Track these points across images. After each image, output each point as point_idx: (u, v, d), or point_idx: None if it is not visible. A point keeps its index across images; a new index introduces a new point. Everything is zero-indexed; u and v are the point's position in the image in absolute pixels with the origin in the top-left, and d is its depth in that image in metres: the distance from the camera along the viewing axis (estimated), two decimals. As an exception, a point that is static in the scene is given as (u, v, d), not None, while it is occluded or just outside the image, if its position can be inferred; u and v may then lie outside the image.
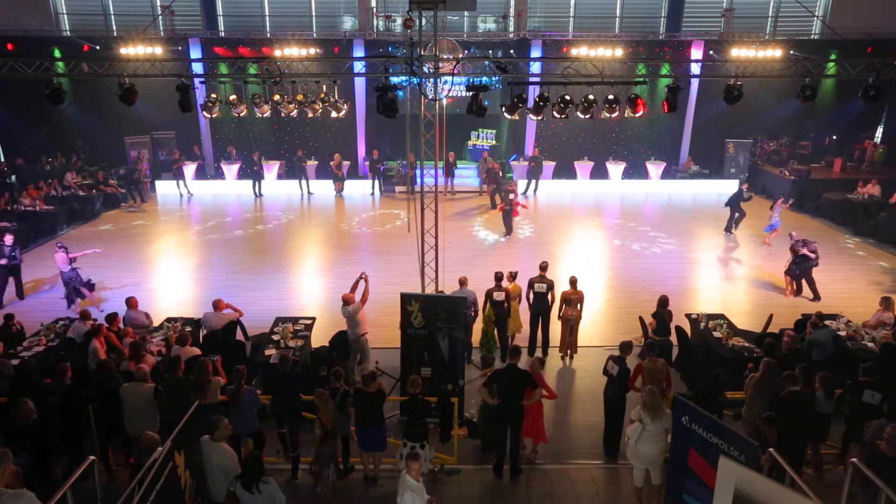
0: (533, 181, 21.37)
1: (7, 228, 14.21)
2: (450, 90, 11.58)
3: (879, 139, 22.26)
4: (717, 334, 9.70)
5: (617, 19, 22.68)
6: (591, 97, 12.18)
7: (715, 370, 7.81)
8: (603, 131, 22.74)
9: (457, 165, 21.05)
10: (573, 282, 10.28)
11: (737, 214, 16.68)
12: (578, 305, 10.23)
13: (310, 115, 14.02)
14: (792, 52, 16.24)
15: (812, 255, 12.72)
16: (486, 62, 17.62)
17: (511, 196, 16.69)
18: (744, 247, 16.01)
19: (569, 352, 10.48)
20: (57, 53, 19.56)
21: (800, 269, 12.93)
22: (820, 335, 9.17)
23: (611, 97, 12.04)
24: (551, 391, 7.89)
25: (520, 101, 11.70)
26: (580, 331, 10.51)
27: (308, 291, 13.46)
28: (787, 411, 6.95)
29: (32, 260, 15.26)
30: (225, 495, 5.98)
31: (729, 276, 14.37)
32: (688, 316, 10.56)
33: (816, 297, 12.83)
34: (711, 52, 20.72)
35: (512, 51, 21.43)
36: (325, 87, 14.08)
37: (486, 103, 20.33)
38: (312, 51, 19.07)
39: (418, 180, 11.59)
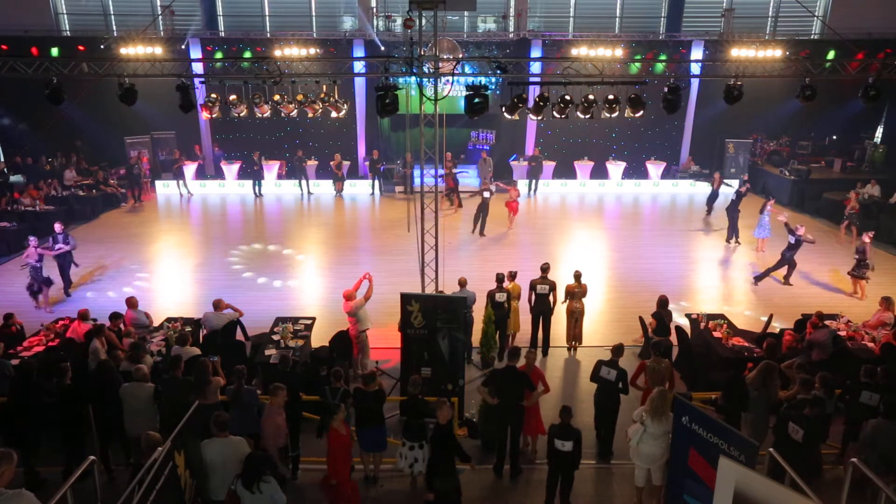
0: (533, 181, 21.37)
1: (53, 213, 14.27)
2: (450, 90, 11.52)
3: (879, 139, 22.27)
4: (717, 334, 9.71)
5: (617, 19, 22.68)
6: (591, 97, 12.19)
7: (730, 374, 7.76)
8: (603, 131, 22.75)
9: (455, 166, 21.01)
10: (577, 276, 10.41)
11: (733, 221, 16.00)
12: (583, 298, 10.41)
13: (310, 115, 14.03)
14: (788, 53, 16.22)
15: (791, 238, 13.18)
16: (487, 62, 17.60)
17: (486, 194, 16.77)
18: (744, 247, 15.98)
19: (574, 343, 10.62)
20: (55, 53, 19.55)
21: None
22: (820, 335, 9.17)
23: (611, 97, 12.04)
24: (546, 385, 7.91)
25: (520, 101, 11.70)
26: (583, 326, 10.67)
27: (308, 291, 13.46)
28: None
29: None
30: (225, 494, 5.99)
31: (729, 276, 14.38)
32: (688, 316, 10.56)
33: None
34: (708, 52, 20.75)
35: (508, 50, 21.43)
36: (325, 87, 14.08)
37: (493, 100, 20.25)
38: (312, 51, 19.07)
39: (417, 180, 11.57)
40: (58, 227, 12.98)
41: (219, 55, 20.79)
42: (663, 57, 19.85)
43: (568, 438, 6.70)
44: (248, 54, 20.22)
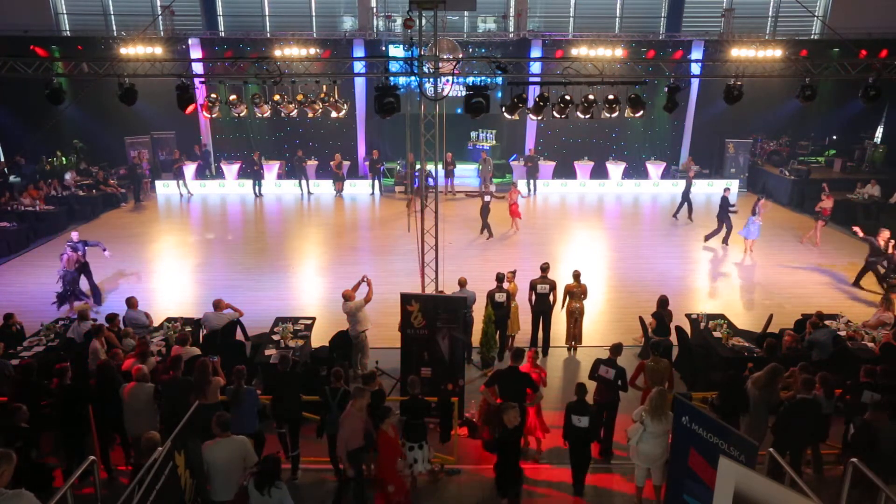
0: (531, 181, 21.34)
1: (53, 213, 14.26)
2: (449, 91, 11.52)
3: (879, 139, 22.26)
4: (717, 334, 9.70)
5: (617, 19, 22.70)
6: (591, 97, 12.20)
7: (728, 374, 7.79)
8: (603, 131, 22.75)
9: (455, 165, 21.02)
10: (576, 275, 10.40)
11: (724, 227, 15.84)
12: (582, 298, 10.37)
13: (310, 115, 14.04)
14: (788, 53, 16.19)
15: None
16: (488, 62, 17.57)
17: (487, 198, 16.75)
18: (740, 247, 15.96)
19: (573, 343, 10.60)
20: (56, 53, 19.55)
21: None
22: (820, 335, 9.17)
23: (611, 97, 12.04)
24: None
25: (520, 101, 11.70)
26: (583, 325, 10.63)
27: (308, 291, 13.46)
28: (796, 419, 6.98)
29: (32, 259, 15.30)
30: (234, 492, 6.00)
31: (729, 276, 14.37)
32: (688, 316, 10.56)
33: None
34: (708, 52, 20.73)
35: (509, 49, 21.43)
36: (325, 87, 14.08)
37: (498, 97, 20.02)
38: (312, 51, 19.07)
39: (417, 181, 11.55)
40: (74, 235, 12.69)
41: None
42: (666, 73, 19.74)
43: (584, 414, 6.97)
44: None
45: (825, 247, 15.89)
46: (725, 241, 16.04)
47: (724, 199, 15.81)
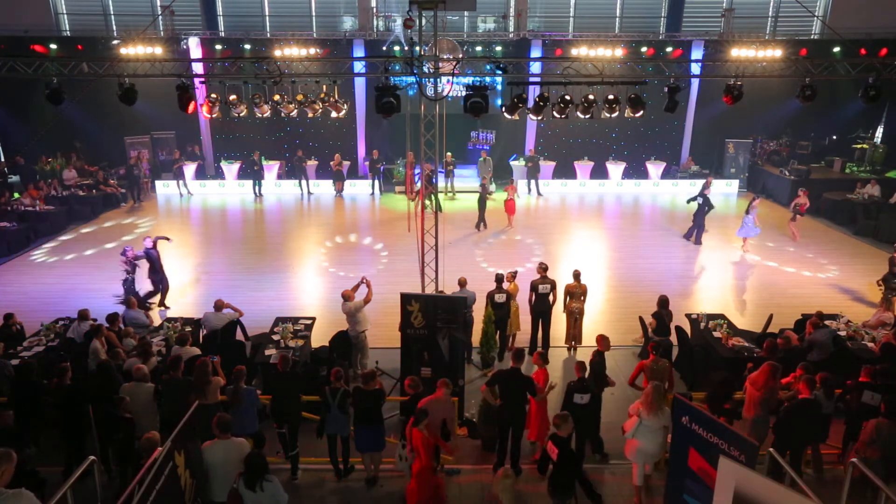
0: (531, 182, 21.34)
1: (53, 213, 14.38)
2: (450, 90, 11.53)
3: (879, 139, 22.25)
4: (717, 334, 9.70)
5: (617, 19, 22.69)
6: (591, 97, 12.19)
7: (723, 375, 7.83)
8: (603, 131, 22.75)
9: (455, 165, 21.01)
10: (576, 275, 10.40)
11: (696, 228, 15.96)
12: (582, 298, 10.36)
13: (310, 115, 14.03)
14: (788, 53, 16.20)
15: None
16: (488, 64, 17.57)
17: (486, 188, 17.22)
18: (735, 247, 15.96)
19: (573, 343, 10.59)
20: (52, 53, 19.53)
21: None
22: (820, 335, 9.16)
23: (611, 97, 12.04)
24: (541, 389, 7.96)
25: (520, 101, 11.70)
26: (583, 325, 10.61)
27: (308, 291, 13.46)
28: (796, 419, 6.98)
29: (32, 259, 15.28)
30: (227, 493, 5.99)
31: (729, 275, 14.37)
32: (688, 316, 10.56)
33: None
34: (707, 52, 20.73)
35: (510, 48, 21.43)
36: (325, 87, 14.08)
37: (498, 104, 20.17)
38: (312, 51, 19.07)
39: (417, 181, 11.54)
40: (148, 242, 12.41)
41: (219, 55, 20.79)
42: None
43: (585, 392, 7.35)
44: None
45: (826, 247, 15.90)
46: (697, 240, 16.08)
47: (705, 198, 15.82)
